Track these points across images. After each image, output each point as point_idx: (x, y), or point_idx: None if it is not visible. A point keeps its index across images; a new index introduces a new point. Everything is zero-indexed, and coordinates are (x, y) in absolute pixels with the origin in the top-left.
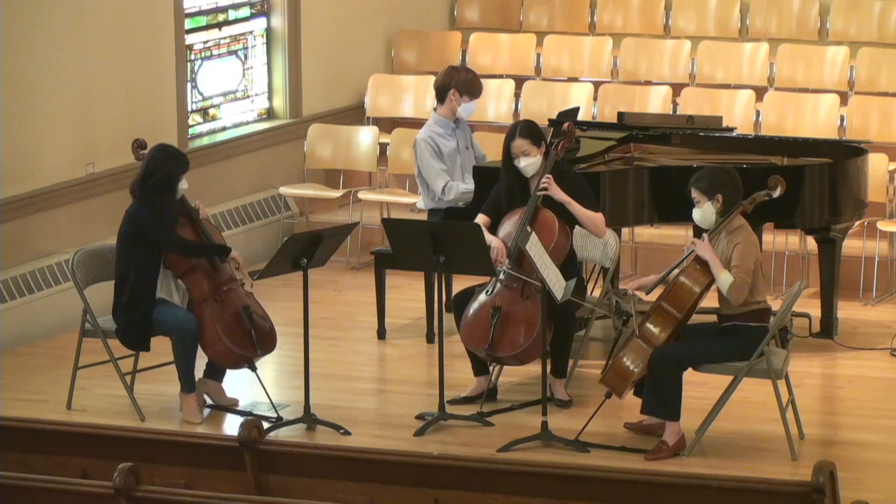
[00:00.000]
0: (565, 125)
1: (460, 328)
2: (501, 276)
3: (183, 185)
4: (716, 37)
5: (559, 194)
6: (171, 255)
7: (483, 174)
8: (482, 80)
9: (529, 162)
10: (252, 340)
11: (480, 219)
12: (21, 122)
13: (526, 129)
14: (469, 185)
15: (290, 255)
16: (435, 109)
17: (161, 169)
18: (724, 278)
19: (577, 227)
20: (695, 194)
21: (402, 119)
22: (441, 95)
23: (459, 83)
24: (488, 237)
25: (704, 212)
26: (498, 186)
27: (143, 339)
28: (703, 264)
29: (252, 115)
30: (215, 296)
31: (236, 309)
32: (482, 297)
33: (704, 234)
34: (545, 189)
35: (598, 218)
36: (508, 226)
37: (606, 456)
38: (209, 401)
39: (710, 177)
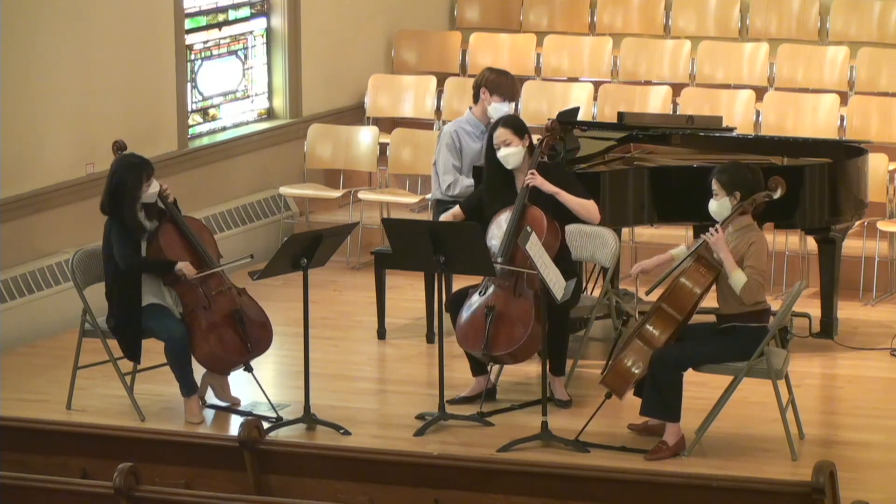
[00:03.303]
0: (548, 122)
1: (456, 331)
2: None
3: (153, 188)
4: (716, 37)
5: (546, 186)
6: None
7: (483, 174)
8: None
9: (510, 152)
10: (244, 344)
11: (454, 211)
12: (21, 122)
13: (508, 121)
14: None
15: (290, 255)
16: (470, 108)
17: (125, 181)
18: (739, 277)
19: (575, 226)
20: (715, 186)
21: (402, 119)
22: (475, 94)
23: (489, 81)
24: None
25: (721, 205)
26: (481, 187)
27: (134, 351)
28: (705, 265)
29: (252, 115)
30: (204, 302)
31: (227, 313)
32: (475, 298)
33: (717, 226)
34: (531, 181)
35: (589, 204)
36: (498, 226)
37: (606, 456)
38: (211, 398)
39: (733, 172)
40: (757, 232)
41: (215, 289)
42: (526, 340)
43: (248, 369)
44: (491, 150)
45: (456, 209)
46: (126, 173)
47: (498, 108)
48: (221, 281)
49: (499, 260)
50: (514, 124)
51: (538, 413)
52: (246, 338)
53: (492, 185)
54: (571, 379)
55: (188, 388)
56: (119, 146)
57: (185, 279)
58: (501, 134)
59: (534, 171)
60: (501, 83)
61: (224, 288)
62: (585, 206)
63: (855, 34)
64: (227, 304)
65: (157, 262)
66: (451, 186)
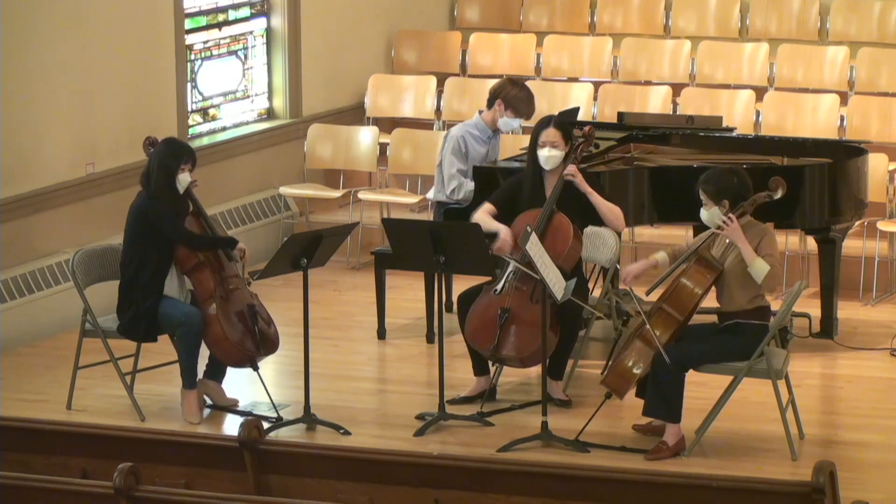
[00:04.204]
0: (586, 128)
1: (466, 325)
2: (511, 276)
3: (185, 177)
4: (716, 37)
5: (583, 185)
6: (180, 250)
7: (483, 174)
8: (484, 81)
9: (554, 154)
10: (255, 339)
11: (486, 207)
12: (21, 122)
13: (561, 124)
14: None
15: (290, 255)
16: (480, 112)
17: (163, 162)
18: (761, 266)
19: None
20: (702, 196)
21: (402, 119)
22: (490, 101)
23: (507, 96)
24: (497, 226)
25: (712, 214)
26: (515, 179)
27: (149, 331)
28: (706, 266)
29: (252, 115)
30: (221, 293)
31: (241, 307)
32: (490, 295)
33: (730, 215)
34: (571, 176)
35: (617, 209)
36: (522, 224)
37: (606, 456)
38: (209, 401)
39: (717, 180)
40: (762, 226)
41: (232, 283)
42: (537, 348)
43: (255, 368)
44: (534, 147)
45: (487, 206)
46: (168, 154)
47: (508, 123)
48: (238, 279)
49: (513, 259)
50: (566, 129)
51: (538, 413)
52: (257, 334)
53: (533, 184)
54: (571, 379)
55: (191, 380)
56: (151, 142)
57: (242, 258)
58: (552, 135)
59: (575, 167)
60: (520, 101)
61: (241, 284)
62: (614, 212)
63: (855, 34)
64: (243, 299)
65: (221, 238)
66: (456, 191)
